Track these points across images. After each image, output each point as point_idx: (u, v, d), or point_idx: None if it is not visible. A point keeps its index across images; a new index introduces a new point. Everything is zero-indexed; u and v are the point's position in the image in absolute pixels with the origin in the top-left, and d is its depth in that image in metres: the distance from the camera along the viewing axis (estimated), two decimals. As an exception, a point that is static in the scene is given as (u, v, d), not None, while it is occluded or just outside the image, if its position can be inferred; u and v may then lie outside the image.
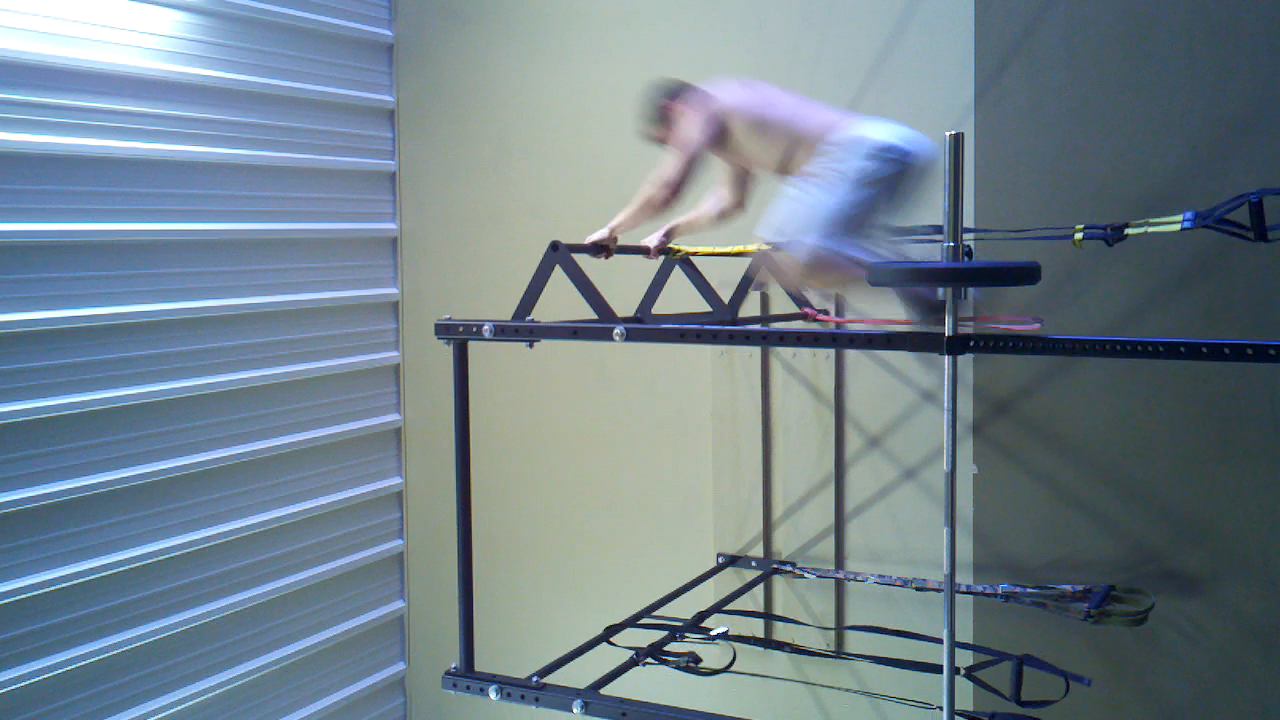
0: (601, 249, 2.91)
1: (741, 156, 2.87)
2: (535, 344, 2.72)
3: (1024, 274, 2.12)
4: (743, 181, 3.04)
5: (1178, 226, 2.34)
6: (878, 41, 3.45)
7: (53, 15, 3.35)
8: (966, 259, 2.35)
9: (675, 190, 2.77)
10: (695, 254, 3.15)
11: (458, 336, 2.73)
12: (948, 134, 2.14)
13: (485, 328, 2.68)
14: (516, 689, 2.65)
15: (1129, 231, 2.43)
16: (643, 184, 2.79)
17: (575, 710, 2.55)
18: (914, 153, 2.53)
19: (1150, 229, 2.41)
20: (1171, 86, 3.09)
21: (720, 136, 2.79)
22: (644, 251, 3.10)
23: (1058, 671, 2.70)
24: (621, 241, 2.97)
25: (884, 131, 2.54)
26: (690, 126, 2.79)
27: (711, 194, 3.09)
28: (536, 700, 2.62)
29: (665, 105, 2.92)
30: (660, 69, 3.87)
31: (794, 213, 2.51)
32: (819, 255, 2.44)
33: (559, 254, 2.70)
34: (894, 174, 2.50)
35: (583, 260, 2.79)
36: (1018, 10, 3.25)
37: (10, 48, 3.24)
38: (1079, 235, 2.52)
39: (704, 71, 3.78)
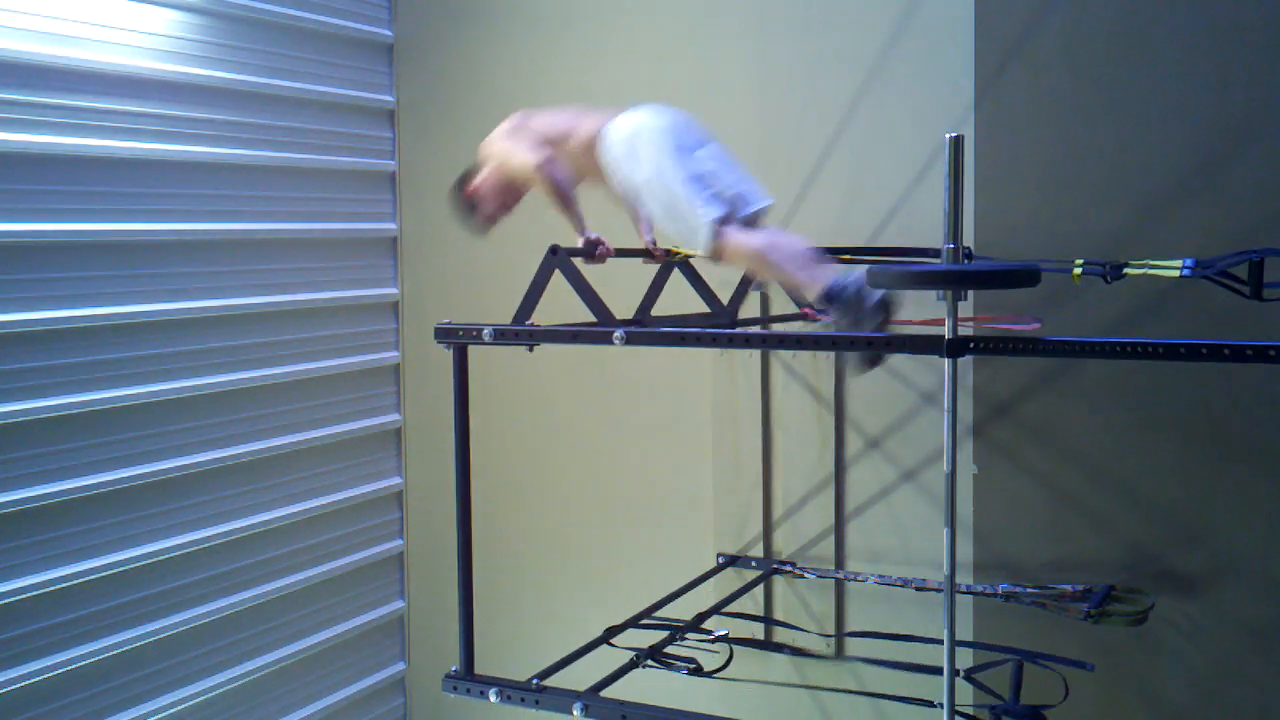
0: (594, 247, 2.89)
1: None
2: (535, 347, 2.73)
3: (1023, 277, 2.12)
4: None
5: (1177, 273, 2.36)
6: (878, 41, 3.44)
7: (53, 15, 3.34)
8: (966, 261, 2.35)
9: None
10: (695, 255, 3.15)
11: (457, 341, 2.73)
12: (948, 136, 2.13)
13: (485, 332, 2.68)
14: (516, 692, 2.65)
15: (1128, 272, 2.46)
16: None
17: (575, 713, 2.56)
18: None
19: (1150, 271, 2.43)
20: (1172, 87, 3.08)
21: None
22: (645, 254, 3.10)
23: (1059, 661, 2.71)
24: (624, 245, 2.98)
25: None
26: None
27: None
28: (537, 703, 2.62)
29: None
30: (660, 69, 3.88)
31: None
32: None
33: (558, 258, 2.70)
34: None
35: (581, 263, 2.80)
36: (1018, 10, 3.25)
37: (10, 48, 3.24)
38: (1078, 270, 2.54)
39: (703, 71, 3.79)
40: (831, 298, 2.41)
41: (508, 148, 2.94)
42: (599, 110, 2.94)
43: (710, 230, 2.61)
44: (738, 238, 2.63)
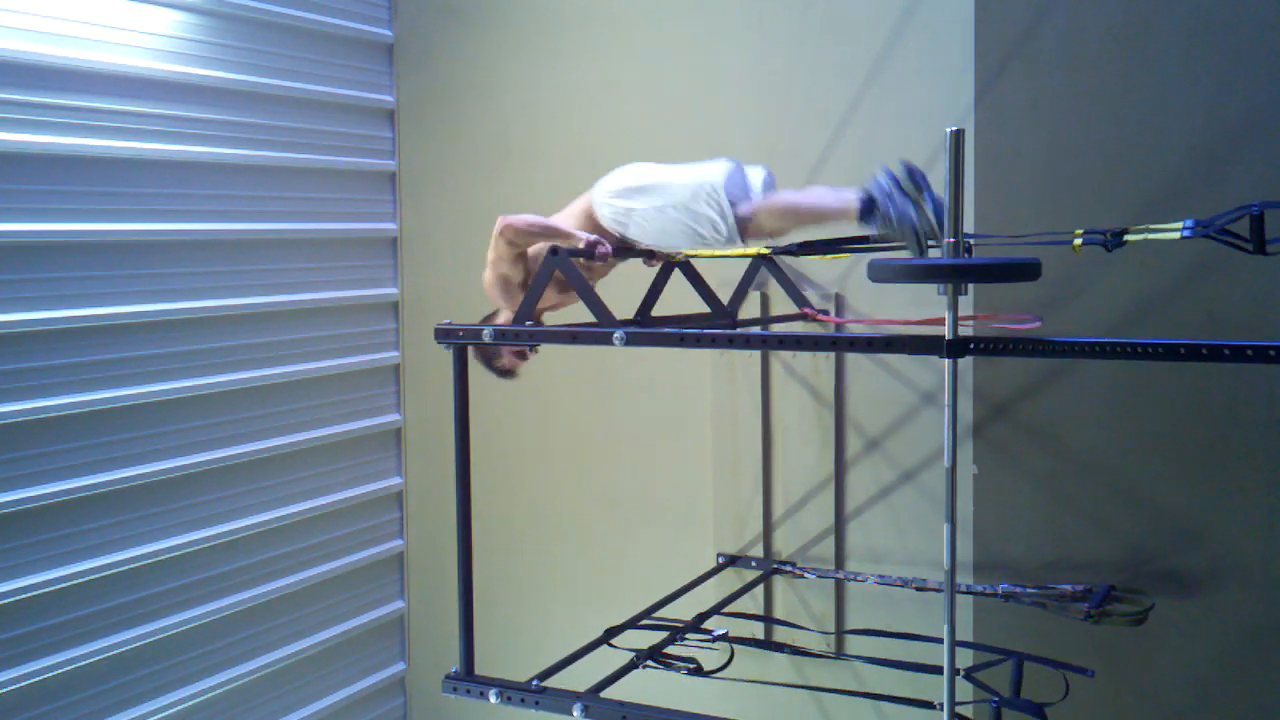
0: (594, 246, 2.87)
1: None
2: (535, 348, 2.73)
3: (1024, 270, 2.12)
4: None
5: (1177, 234, 2.32)
6: (878, 41, 3.45)
7: (53, 15, 3.35)
8: (966, 255, 2.35)
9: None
10: (695, 256, 3.15)
11: (457, 341, 2.73)
12: (948, 129, 2.14)
13: (485, 332, 2.69)
14: (517, 693, 2.65)
15: (1128, 238, 2.42)
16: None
17: (575, 713, 2.56)
18: None
19: (1150, 235, 2.40)
20: (1172, 87, 3.08)
21: None
22: (644, 255, 3.09)
23: (1057, 665, 2.71)
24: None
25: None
26: None
27: None
28: (537, 704, 2.62)
29: None
30: (660, 69, 3.88)
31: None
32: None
33: (558, 258, 2.70)
34: None
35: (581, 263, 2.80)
36: (1018, 10, 3.25)
37: (10, 48, 3.24)
38: (1078, 241, 2.51)
39: (703, 71, 3.79)
40: (868, 212, 2.49)
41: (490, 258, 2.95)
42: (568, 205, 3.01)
43: (734, 211, 2.69)
44: (763, 202, 2.72)
